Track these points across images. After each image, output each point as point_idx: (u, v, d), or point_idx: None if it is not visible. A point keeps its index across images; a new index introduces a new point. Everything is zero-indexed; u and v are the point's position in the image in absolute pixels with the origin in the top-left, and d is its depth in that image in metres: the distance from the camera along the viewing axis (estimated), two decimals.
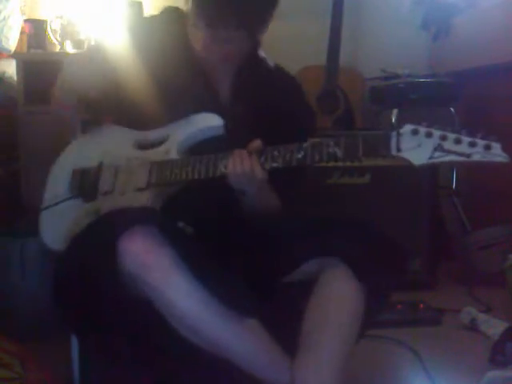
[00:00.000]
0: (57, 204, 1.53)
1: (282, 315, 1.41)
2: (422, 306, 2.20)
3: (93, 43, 1.70)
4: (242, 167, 1.35)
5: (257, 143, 1.38)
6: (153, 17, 1.61)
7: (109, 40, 1.57)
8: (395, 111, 2.85)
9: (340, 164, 2.49)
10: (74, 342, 1.59)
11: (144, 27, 1.59)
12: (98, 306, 1.29)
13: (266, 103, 1.53)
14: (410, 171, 2.48)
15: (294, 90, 1.64)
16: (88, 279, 1.26)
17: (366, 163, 2.49)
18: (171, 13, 1.57)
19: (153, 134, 1.53)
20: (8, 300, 1.96)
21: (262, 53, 1.60)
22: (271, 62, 1.62)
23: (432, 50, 3.16)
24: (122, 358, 1.42)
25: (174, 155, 1.47)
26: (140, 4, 2.70)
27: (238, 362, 1.29)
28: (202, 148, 1.48)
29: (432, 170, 2.57)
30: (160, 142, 1.52)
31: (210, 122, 1.49)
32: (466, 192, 2.93)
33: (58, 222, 1.51)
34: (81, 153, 1.60)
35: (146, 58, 1.49)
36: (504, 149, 1.19)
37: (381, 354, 1.87)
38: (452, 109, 2.85)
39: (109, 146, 1.56)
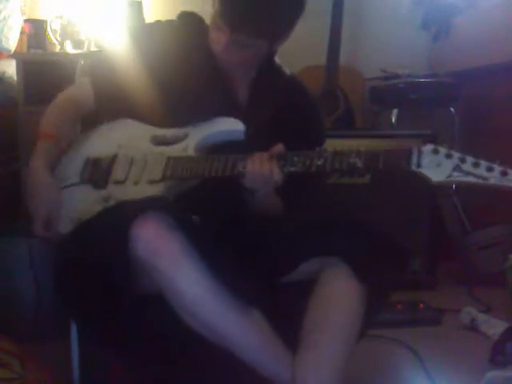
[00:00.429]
0: (65, 187, 1.53)
1: (282, 315, 1.41)
2: (422, 305, 2.20)
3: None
4: (261, 169, 1.37)
5: (279, 148, 1.39)
6: (171, 20, 1.63)
7: (123, 41, 1.60)
8: (395, 111, 2.85)
9: None
10: (74, 342, 1.59)
11: (161, 30, 1.61)
12: (103, 293, 1.29)
13: (280, 110, 1.55)
14: (410, 171, 2.48)
15: (307, 101, 1.66)
16: (97, 265, 1.27)
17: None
18: (189, 16, 1.60)
19: (171, 132, 1.55)
20: (10, 300, 1.96)
21: (277, 60, 1.63)
22: (287, 70, 1.65)
23: (432, 50, 3.16)
24: (122, 353, 1.42)
25: (191, 153, 1.49)
26: (140, 4, 2.70)
27: (242, 353, 1.30)
28: (218, 151, 1.49)
29: None
30: (178, 140, 1.53)
31: (231, 126, 1.51)
32: (466, 192, 2.93)
33: (66, 206, 1.51)
34: (97, 143, 1.61)
35: (164, 59, 1.52)
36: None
37: (381, 354, 1.88)
38: (452, 109, 2.85)
39: (125, 139, 1.58)
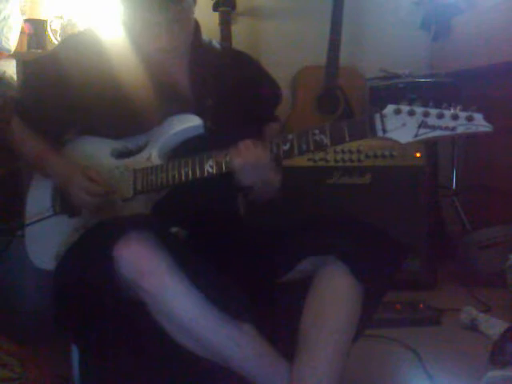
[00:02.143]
0: (39, 221, 1.51)
1: (280, 314, 1.41)
2: (421, 305, 2.20)
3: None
4: (250, 157, 1.33)
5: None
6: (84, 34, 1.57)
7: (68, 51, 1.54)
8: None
9: (340, 164, 2.49)
10: None
11: (83, 43, 1.54)
12: (97, 315, 1.28)
13: (227, 86, 1.54)
14: (410, 171, 2.48)
15: (249, 64, 1.65)
16: (86, 289, 1.26)
17: (366, 163, 2.49)
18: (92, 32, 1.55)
19: (131, 142, 1.52)
20: (8, 300, 1.96)
21: (204, 36, 1.60)
22: (217, 43, 1.63)
23: (432, 50, 3.16)
24: (123, 370, 1.40)
25: (155, 160, 1.47)
26: None
27: (235, 366, 1.29)
28: (182, 149, 1.47)
29: (432, 169, 2.57)
30: (139, 149, 1.50)
31: (188, 123, 1.48)
32: (466, 192, 2.93)
33: (46, 241, 1.51)
34: None
35: (98, 72, 1.48)
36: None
37: (381, 354, 1.87)
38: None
39: (86, 159, 1.54)
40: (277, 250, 1.41)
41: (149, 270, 1.24)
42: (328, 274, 1.36)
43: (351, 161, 2.49)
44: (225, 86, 1.54)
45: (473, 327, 2.07)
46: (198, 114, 1.48)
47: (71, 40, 1.60)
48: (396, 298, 2.15)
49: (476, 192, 2.95)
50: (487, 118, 1.22)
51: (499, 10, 2.66)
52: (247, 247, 1.45)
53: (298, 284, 1.40)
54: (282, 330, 1.37)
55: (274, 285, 1.42)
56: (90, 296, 1.26)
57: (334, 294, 1.35)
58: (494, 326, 1.99)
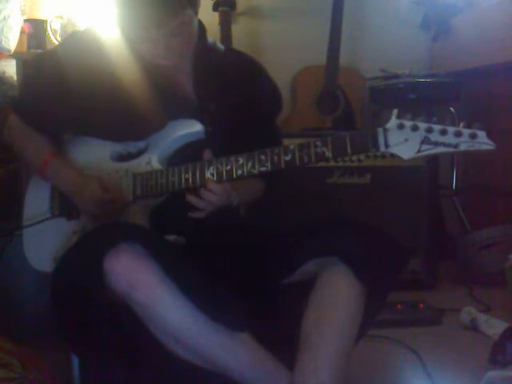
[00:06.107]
0: (37, 223, 1.51)
1: (282, 316, 1.40)
2: (421, 305, 2.20)
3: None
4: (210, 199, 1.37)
5: (207, 155, 1.38)
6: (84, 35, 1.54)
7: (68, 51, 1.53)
8: (395, 111, 2.84)
9: (340, 164, 2.49)
10: None
11: (85, 45, 1.51)
12: (93, 323, 1.28)
13: (231, 91, 1.53)
14: (410, 171, 2.48)
15: (253, 68, 1.63)
16: (80, 299, 1.26)
17: (366, 163, 2.49)
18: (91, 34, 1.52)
19: (131, 145, 1.51)
20: (8, 299, 1.96)
21: (209, 38, 1.58)
22: (220, 46, 1.61)
23: (432, 50, 3.16)
24: (121, 378, 1.40)
25: (155, 164, 1.46)
26: None
27: (233, 375, 1.29)
28: (183, 153, 1.47)
29: (432, 169, 2.57)
30: (139, 152, 1.50)
31: (189, 129, 1.48)
32: (467, 192, 2.93)
33: (44, 243, 1.51)
34: None
35: (106, 71, 1.46)
36: (504, 148, 1.19)
37: (381, 354, 1.87)
38: (452, 108, 2.85)
39: (85, 161, 1.54)
40: (280, 252, 1.41)
41: (139, 282, 1.24)
42: (331, 276, 1.36)
43: (351, 161, 2.49)
44: (228, 89, 1.53)
45: (473, 327, 2.07)
46: (200, 118, 1.47)
47: (73, 38, 1.58)
48: (396, 298, 2.15)
49: (476, 192, 2.95)
50: (490, 136, 1.20)
51: (499, 9, 2.66)
52: (249, 249, 1.45)
53: (300, 285, 1.40)
54: (283, 331, 1.36)
55: (276, 286, 1.42)
56: (84, 305, 1.26)
57: (336, 296, 1.34)
58: (494, 326, 1.99)
